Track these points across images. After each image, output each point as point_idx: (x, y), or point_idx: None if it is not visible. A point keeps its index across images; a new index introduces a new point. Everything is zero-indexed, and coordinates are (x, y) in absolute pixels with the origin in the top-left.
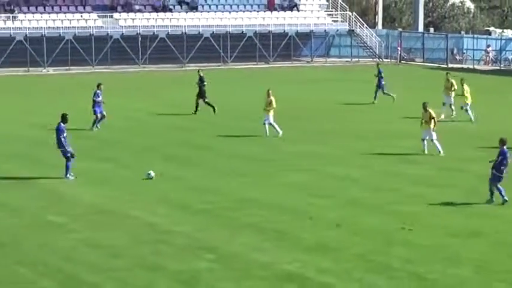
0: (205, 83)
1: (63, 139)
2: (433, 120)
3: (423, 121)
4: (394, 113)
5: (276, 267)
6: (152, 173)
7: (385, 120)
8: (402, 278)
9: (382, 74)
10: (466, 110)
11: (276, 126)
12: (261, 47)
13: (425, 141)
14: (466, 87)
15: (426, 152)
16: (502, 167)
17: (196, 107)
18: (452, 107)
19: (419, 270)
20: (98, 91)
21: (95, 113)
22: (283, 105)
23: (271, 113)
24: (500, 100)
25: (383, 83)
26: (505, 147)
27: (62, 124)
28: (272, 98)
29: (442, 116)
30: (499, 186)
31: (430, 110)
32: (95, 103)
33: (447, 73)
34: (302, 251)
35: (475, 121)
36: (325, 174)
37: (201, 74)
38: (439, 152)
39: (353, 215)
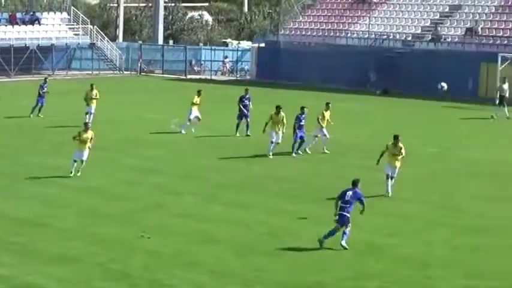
0: None
1: None
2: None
3: None
4: (139, 124)
5: (16, 280)
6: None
7: (127, 130)
8: (142, 285)
9: (251, 101)
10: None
11: None
12: (2, 61)
13: None
14: (327, 113)
15: None
16: None
17: None
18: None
19: (158, 276)
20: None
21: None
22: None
23: None
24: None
25: (248, 112)
26: None
27: None
28: None
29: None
30: None
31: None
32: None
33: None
34: (44, 262)
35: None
36: (65, 186)
37: None
38: None
39: (92, 224)
